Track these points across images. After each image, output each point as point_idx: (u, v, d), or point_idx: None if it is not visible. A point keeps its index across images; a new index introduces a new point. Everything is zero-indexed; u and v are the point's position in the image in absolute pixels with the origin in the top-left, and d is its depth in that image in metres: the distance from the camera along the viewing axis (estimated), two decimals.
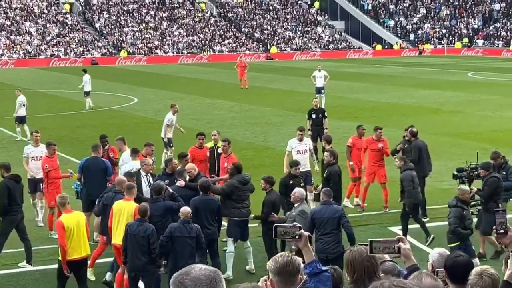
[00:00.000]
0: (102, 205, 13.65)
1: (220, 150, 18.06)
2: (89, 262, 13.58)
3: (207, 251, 13.23)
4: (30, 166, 17.20)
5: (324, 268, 5.38)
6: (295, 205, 12.98)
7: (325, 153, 16.20)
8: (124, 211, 12.81)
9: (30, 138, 18.41)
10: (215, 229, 13.38)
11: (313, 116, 23.61)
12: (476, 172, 14.36)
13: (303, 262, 5.28)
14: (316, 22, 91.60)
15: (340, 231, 12.39)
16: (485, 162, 14.65)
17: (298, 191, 13.16)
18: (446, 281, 5.96)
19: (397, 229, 16.01)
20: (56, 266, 14.05)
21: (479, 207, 14.14)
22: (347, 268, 5.64)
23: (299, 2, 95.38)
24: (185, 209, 12.15)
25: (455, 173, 15.18)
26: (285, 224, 5.53)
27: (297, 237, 5.36)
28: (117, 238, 12.75)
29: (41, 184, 16.93)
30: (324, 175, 15.74)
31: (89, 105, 36.92)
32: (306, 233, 5.41)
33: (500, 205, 13.87)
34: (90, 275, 13.68)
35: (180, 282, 3.33)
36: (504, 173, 14.97)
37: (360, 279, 5.55)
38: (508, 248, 5.73)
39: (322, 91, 37.19)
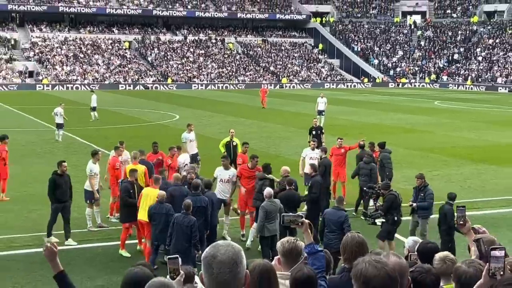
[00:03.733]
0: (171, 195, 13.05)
1: (234, 143, 19.78)
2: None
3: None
4: (95, 181, 15.55)
5: (319, 249, 5.39)
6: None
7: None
8: (150, 195, 12.93)
9: (94, 158, 15.92)
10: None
11: (313, 132, 23.61)
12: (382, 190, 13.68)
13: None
14: (318, 59, 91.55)
15: (342, 232, 11.69)
16: (384, 182, 14.09)
17: (265, 190, 12.95)
18: (417, 262, 5.96)
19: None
20: (111, 243, 14.14)
21: (383, 219, 13.43)
22: (341, 248, 5.64)
23: (305, 44, 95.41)
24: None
25: (366, 189, 14.73)
26: (290, 214, 5.55)
27: (300, 224, 5.38)
28: (143, 215, 12.86)
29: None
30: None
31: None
32: (307, 221, 5.42)
33: (395, 218, 13.12)
34: (125, 253, 13.59)
35: (209, 264, 3.22)
36: (422, 194, 13.77)
37: (348, 258, 5.57)
38: (467, 236, 5.72)
39: (323, 113, 37.24)
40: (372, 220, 13.85)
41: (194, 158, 20.93)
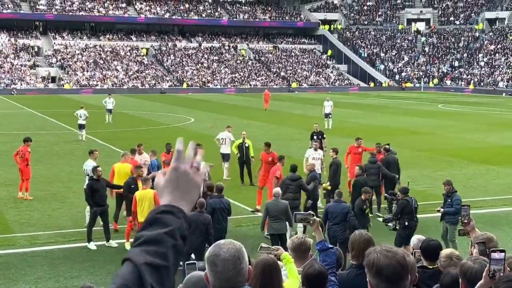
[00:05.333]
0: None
1: (246, 145, 20.04)
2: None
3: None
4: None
5: (330, 246, 5.38)
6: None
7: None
8: (145, 197, 12.89)
9: (90, 156, 16.03)
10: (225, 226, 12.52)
11: (314, 137, 23.23)
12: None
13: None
14: (326, 65, 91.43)
15: (346, 222, 11.96)
16: (403, 187, 13.61)
17: (274, 189, 13.12)
18: (421, 258, 5.95)
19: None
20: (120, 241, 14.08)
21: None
22: (349, 245, 5.62)
23: (314, 50, 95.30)
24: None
25: (386, 195, 14.51)
26: (302, 212, 5.55)
27: (311, 221, 5.37)
28: (142, 218, 12.74)
29: None
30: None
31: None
32: (318, 219, 5.41)
33: (406, 223, 12.53)
34: (128, 246, 13.60)
35: (213, 262, 3.20)
36: (450, 200, 13.11)
37: (356, 255, 5.54)
38: (470, 234, 5.66)
39: (330, 116, 37.04)
40: (393, 226, 13.34)
41: (226, 157, 21.33)
